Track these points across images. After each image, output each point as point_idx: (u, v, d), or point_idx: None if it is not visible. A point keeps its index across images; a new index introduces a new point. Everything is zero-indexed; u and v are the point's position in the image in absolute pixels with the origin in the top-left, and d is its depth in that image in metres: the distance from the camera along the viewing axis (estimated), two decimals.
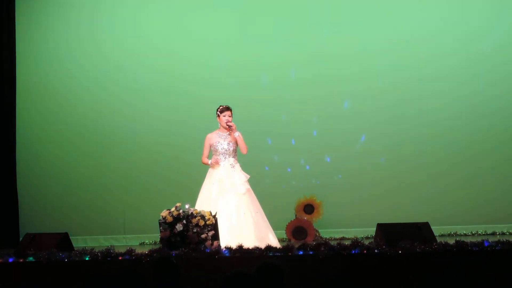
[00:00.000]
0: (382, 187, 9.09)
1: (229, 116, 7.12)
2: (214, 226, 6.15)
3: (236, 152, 7.16)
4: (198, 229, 6.06)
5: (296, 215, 8.55)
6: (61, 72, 9.37)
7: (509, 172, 9.13)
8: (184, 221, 6.07)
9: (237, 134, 7.09)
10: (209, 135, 7.19)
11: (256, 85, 9.25)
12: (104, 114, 9.33)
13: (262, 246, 5.85)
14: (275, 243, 6.50)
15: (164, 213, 6.16)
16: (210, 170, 7.15)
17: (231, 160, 7.09)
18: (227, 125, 7.08)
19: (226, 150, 7.08)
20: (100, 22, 9.40)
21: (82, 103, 9.34)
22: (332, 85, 9.21)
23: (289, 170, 9.24)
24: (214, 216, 6.21)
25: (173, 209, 6.17)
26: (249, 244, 6.09)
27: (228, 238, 6.49)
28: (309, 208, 8.60)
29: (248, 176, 7.07)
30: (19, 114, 9.21)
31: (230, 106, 7.19)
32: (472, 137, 9.17)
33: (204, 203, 6.88)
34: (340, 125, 9.22)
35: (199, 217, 6.09)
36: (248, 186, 7.03)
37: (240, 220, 6.81)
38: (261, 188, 7.64)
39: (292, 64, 9.28)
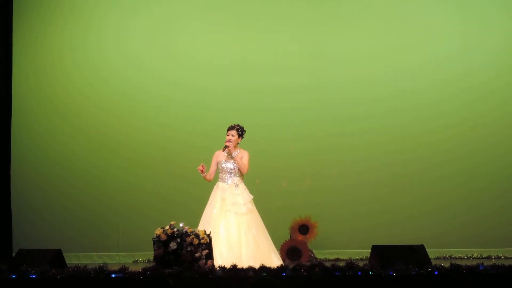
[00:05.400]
0: (377, 209, 9.08)
1: (232, 136, 7.10)
2: (208, 245, 6.13)
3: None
4: (192, 248, 6.03)
5: (290, 236, 8.52)
6: (55, 91, 9.42)
7: (506, 197, 9.12)
8: (178, 240, 6.05)
9: (235, 153, 7.09)
10: (217, 152, 7.20)
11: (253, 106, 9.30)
12: (99, 131, 9.34)
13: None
14: (278, 264, 6.41)
15: (158, 231, 6.14)
16: (214, 188, 7.14)
17: (236, 179, 7.08)
18: (225, 144, 7.10)
19: (231, 169, 7.08)
20: (93, 32, 9.50)
21: (76, 121, 9.36)
22: (332, 110, 9.29)
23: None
24: (209, 235, 6.19)
25: (167, 227, 6.15)
26: (247, 264, 6.05)
27: (227, 258, 6.47)
28: (304, 229, 8.57)
29: (252, 197, 7.06)
30: (14, 130, 9.23)
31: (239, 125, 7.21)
32: (468, 161, 9.18)
33: (206, 222, 6.88)
34: (336, 153, 9.26)
35: (193, 236, 6.07)
36: (251, 206, 7.00)
37: (240, 240, 6.76)
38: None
39: (288, 91, 9.33)
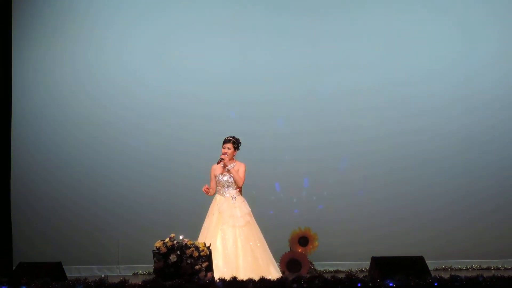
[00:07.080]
0: (377, 221, 9.06)
1: (228, 149, 7.14)
2: (208, 257, 6.13)
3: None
4: (192, 260, 6.04)
5: (290, 247, 8.52)
6: (56, 99, 9.45)
7: (505, 207, 9.12)
8: (178, 252, 6.05)
9: (230, 166, 7.12)
10: (214, 166, 7.22)
11: (251, 119, 9.32)
12: (97, 146, 9.35)
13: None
14: (277, 276, 6.39)
15: (158, 243, 6.14)
16: (213, 201, 7.17)
17: (233, 192, 7.12)
18: (220, 157, 7.12)
19: (226, 182, 7.11)
20: (94, 53, 9.53)
21: (74, 137, 9.39)
22: (326, 120, 9.29)
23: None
24: (208, 248, 6.20)
25: (167, 239, 6.15)
26: (245, 276, 6.06)
27: (223, 270, 6.47)
28: (303, 241, 8.57)
29: (250, 209, 7.07)
30: (13, 143, 9.26)
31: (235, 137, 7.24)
32: (467, 173, 9.16)
33: (204, 234, 6.91)
34: (335, 162, 9.27)
35: (193, 248, 6.08)
36: (249, 219, 7.01)
37: (237, 253, 6.78)
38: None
39: (284, 100, 9.35)
